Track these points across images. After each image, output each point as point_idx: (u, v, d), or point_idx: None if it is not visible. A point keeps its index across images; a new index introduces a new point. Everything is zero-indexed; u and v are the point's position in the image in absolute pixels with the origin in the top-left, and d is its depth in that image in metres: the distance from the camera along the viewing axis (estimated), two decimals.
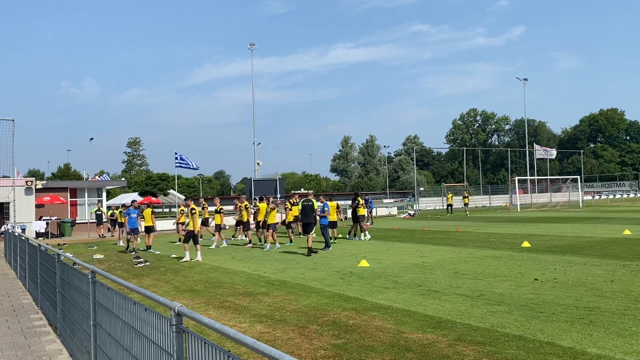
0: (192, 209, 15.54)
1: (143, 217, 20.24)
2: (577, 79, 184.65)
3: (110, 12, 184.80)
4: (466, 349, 5.95)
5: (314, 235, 16.81)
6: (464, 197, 41.50)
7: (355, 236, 21.10)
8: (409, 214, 41.96)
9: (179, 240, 23.26)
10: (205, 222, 23.24)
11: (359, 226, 21.03)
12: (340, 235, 21.78)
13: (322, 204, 17.41)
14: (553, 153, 62.70)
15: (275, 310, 8.31)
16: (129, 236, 19.15)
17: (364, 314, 7.83)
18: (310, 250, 15.78)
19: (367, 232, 21.12)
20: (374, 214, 35.06)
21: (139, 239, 19.47)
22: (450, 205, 40.72)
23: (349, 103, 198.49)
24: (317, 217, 17.33)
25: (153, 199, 57.66)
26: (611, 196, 70.87)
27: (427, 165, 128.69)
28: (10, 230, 19.56)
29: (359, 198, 21.46)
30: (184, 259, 15.51)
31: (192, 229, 15.44)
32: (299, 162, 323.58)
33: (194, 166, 33.96)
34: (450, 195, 41.71)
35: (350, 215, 22.38)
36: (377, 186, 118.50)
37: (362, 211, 21.03)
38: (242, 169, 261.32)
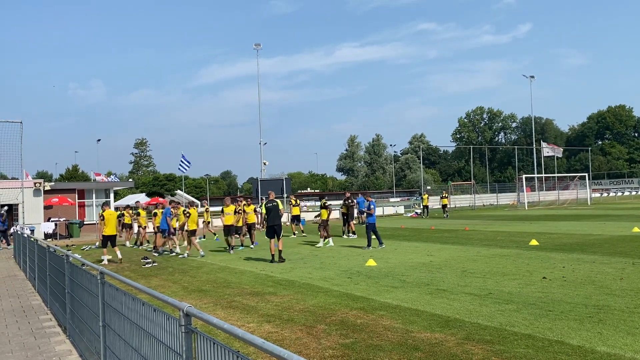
0: (101, 215, 16.42)
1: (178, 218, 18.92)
2: (584, 76, 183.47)
3: (116, 13, 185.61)
4: (475, 348, 5.93)
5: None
6: (442, 198, 37.89)
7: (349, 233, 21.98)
8: (416, 212, 41.86)
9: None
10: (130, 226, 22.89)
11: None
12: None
13: (368, 202, 17.34)
14: (559, 151, 62.44)
15: (283, 310, 8.32)
16: (166, 237, 18.79)
17: (372, 313, 7.82)
18: (280, 256, 14.48)
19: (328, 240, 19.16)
20: (379, 213, 35.28)
21: (175, 240, 18.67)
22: (426, 206, 37.99)
23: (355, 102, 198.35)
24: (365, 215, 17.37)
25: (160, 199, 57.78)
26: (620, 193, 70.45)
27: (434, 163, 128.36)
28: (19, 232, 19.70)
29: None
30: (102, 262, 15.96)
31: (105, 233, 16.26)
32: (305, 162, 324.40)
33: (186, 168, 35.65)
34: (426, 195, 39.06)
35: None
36: (384, 185, 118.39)
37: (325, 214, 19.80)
38: (249, 168, 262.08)
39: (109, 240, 16.42)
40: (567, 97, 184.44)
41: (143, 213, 22.88)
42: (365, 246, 16.93)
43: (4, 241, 25.75)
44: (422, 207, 39.00)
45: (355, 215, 26.67)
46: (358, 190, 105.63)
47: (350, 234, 21.95)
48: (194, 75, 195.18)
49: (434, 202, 42.04)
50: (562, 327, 6.66)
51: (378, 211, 43.39)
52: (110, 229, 16.30)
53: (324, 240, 18.93)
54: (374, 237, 17.00)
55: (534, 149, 70.67)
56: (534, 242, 16.26)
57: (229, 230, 17.89)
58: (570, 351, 5.71)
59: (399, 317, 7.48)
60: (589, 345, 5.88)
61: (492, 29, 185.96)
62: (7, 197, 28.06)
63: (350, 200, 22.47)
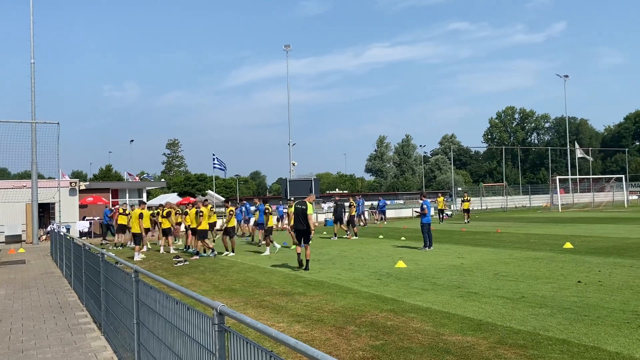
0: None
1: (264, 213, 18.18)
2: (621, 75, 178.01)
3: (150, 17, 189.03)
4: (507, 352, 5.83)
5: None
6: (464, 201, 32.66)
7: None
8: (447, 214, 41.34)
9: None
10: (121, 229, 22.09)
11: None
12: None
13: (422, 202, 17.25)
14: (588, 158, 61.10)
15: (313, 310, 8.34)
16: (256, 230, 19.70)
17: (402, 315, 7.77)
18: (307, 263, 13.09)
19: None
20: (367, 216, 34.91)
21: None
22: (442, 210, 33.84)
23: (384, 102, 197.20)
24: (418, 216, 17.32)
25: (192, 199, 58.57)
26: None
27: (465, 164, 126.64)
28: (55, 230, 20.24)
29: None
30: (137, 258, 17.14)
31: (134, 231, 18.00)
32: (333, 163, 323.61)
33: (224, 168, 36.75)
34: (441, 198, 34.02)
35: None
36: (413, 186, 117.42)
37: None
38: (278, 169, 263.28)
39: (134, 237, 18.25)
40: (603, 96, 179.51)
41: (198, 210, 21.28)
42: (423, 247, 16.83)
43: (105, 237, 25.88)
44: (437, 211, 33.38)
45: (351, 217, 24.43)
46: (387, 192, 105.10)
47: (343, 236, 22.12)
48: (225, 76, 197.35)
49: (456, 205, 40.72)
50: (599, 332, 6.49)
51: (408, 212, 43.15)
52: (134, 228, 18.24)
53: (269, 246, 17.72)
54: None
55: (568, 150, 69.11)
56: (568, 245, 15.90)
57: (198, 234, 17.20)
58: (607, 358, 5.56)
59: (430, 320, 7.41)
60: (627, 352, 5.72)
61: (526, 28, 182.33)
62: (44, 196, 28.87)
63: (337, 204, 23.53)
